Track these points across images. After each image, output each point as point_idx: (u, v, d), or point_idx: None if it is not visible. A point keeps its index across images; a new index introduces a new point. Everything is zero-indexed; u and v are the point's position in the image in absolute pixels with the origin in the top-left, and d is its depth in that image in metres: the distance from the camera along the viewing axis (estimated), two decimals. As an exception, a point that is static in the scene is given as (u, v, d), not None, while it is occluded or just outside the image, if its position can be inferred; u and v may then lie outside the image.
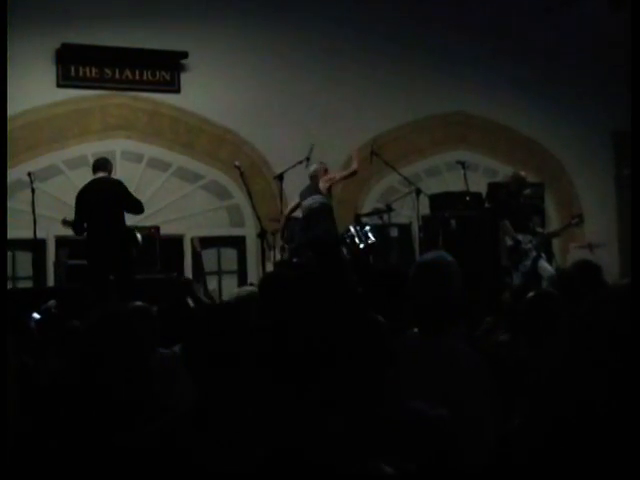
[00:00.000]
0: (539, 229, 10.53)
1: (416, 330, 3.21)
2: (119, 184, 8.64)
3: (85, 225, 8.50)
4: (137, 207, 8.60)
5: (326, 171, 9.51)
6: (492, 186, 11.29)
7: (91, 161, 10.83)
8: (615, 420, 1.10)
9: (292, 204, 9.60)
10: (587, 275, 5.11)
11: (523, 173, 10.62)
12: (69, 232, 8.68)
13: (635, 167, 6.48)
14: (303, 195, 9.41)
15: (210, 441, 2.27)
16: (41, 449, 2.57)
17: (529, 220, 10.31)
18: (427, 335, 3.14)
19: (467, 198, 10.62)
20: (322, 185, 9.34)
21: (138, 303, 4.18)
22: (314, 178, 9.41)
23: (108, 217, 8.39)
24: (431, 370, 2.98)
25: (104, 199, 8.38)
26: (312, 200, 9.29)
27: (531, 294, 3.97)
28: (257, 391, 2.43)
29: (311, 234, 9.19)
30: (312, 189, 9.38)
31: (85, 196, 8.49)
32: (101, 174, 8.61)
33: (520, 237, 9.87)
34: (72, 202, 8.57)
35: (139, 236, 8.85)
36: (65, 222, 8.72)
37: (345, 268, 9.09)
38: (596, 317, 3.38)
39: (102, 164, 8.74)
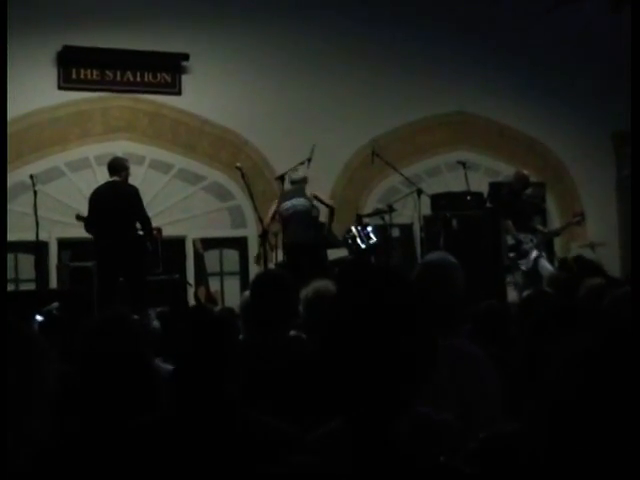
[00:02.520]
0: (540, 227, 10.54)
1: None
2: (135, 192, 8.63)
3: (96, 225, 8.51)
4: (146, 220, 8.57)
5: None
6: (493, 186, 11.28)
7: (93, 163, 10.95)
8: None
9: (273, 207, 9.47)
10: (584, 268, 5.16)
11: (526, 172, 10.62)
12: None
13: (635, 165, 6.50)
14: (286, 197, 9.34)
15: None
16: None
17: (530, 219, 10.32)
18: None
19: (468, 198, 10.61)
20: (309, 193, 9.37)
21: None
22: (302, 182, 9.43)
23: (121, 221, 8.38)
24: (439, 371, 2.98)
25: (118, 204, 8.37)
26: (296, 201, 9.26)
27: (527, 292, 3.97)
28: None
29: (291, 236, 9.15)
30: (299, 192, 9.36)
31: (99, 198, 8.48)
32: (116, 178, 8.59)
33: (521, 236, 9.88)
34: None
35: (149, 243, 8.82)
36: (79, 217, 8.74)
37: (327, 270, 8.97)
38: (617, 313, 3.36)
39: (118, 167, 8.66)
